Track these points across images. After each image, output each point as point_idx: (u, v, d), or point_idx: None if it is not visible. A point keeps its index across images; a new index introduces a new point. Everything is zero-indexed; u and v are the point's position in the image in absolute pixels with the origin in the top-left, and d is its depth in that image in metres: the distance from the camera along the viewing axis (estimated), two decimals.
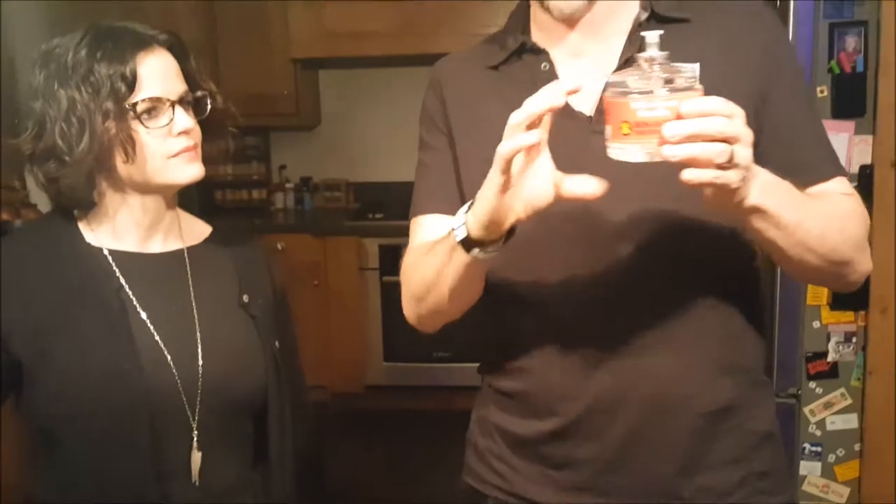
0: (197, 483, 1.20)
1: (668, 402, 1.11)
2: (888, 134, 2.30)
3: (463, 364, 4.03)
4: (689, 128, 0.81)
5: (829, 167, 1.13)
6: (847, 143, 2.32)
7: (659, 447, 1.13)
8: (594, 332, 1.11)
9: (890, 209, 2.30)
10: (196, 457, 1.19)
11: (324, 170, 4.40)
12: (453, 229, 0.98)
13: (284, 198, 4.36)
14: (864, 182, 2.31)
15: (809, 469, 2.49)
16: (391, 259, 3.96)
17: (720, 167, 0.82)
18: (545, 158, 0.91)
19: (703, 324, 1.12)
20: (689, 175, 0.83)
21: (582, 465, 1.15)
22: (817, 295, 2.42)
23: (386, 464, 3.60)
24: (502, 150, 0.88)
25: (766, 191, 0.91)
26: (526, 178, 0.91)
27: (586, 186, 0.91)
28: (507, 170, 0.88)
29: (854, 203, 1.12)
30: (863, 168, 2.32)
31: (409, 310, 1.19)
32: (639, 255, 1.08)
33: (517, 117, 0.87)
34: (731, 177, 0.84)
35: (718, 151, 0.82)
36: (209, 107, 1.22)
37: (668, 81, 0.83)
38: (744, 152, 0.84)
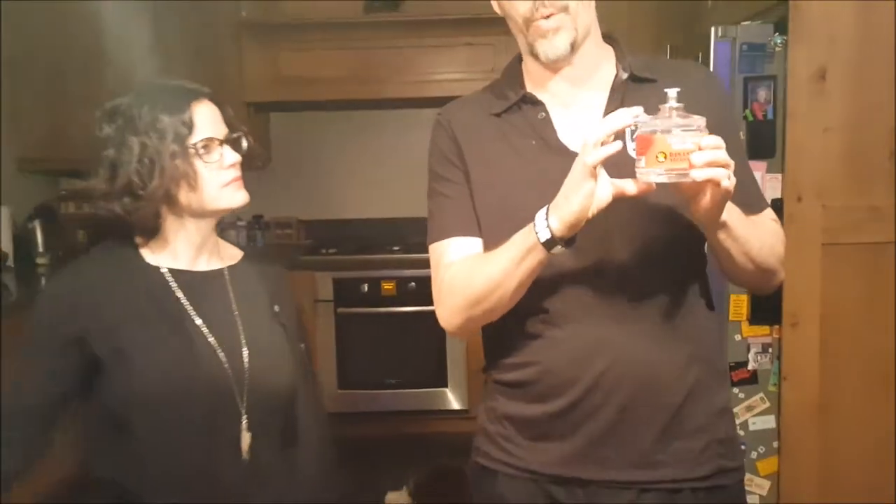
0: (246, 459, 1.40)
1: (650, 386, 1.32)
2: (794, 172, 2.52)
3: (411, 390, 4.27)
4: (710, 156, 1.08)
5: (761, 202, 1.41)
6: (760, 179, 2.48)
7: (642, 421, 1.33)
8: (592, 330, 1.31)
9: (797, 237, 2.50)
10: (245, 436, 1.39)
11: (274, 208, 4.51)
12: (532, 232, 1.19)
13: (237, 235, 4.46)
14: (776, 212, 2.54)
15: None
16: (345, 291, 4.14)
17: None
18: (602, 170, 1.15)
19: (677, 325, 1.34)
20: (702, 175, 1.08)
21: (579, 438, 1.34)
22: (738, 312, 2.63)
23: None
24: (590, 160, 1.11)
25: (729, 212, 1.19)
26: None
27: (627, 185, 1.15)
28: (595, 175, 1.12)
29: (778, 228, 1.41)
30: (774, 201, 2.52)
31: (458, 316, 1.36)
32: (629, 271, 1.31)
33: (595, 135, 1.11)
34: (729, 186, 1.11)
35: (726, 173, 1.09)
36: (245, 145, 1.46)
37: (686, 123, 1.10)
38: (732, 176, 1.11)
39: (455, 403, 4.28)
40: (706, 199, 1.14)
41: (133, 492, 1.36)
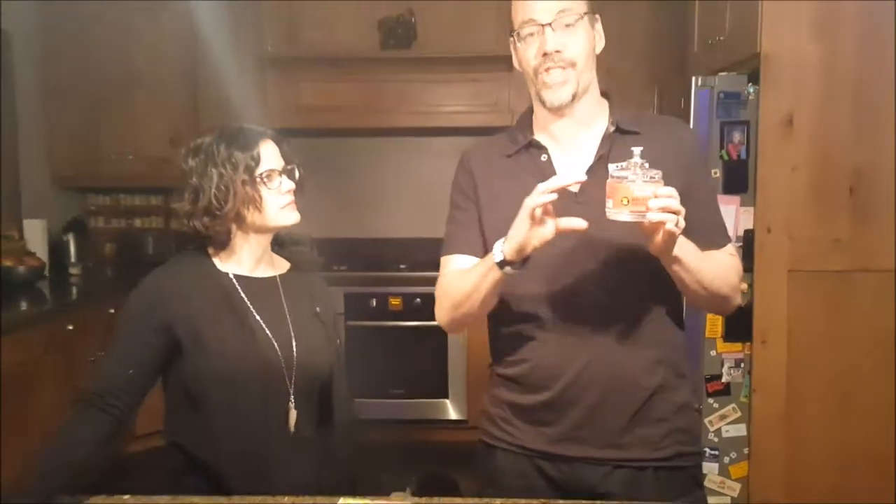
0: (292, 431, 1.68)
1: (621, 381, 1.56)
2: (764, 206, 2.77)
3: (414, 399, 4.49)
4: (663, 203, 1.31)
5: (722, 238, 1.63)
6: (735, 212, 2.78)
7: (613, 411, 1.56)
8: (574, 334, 1.55)
9: (767, 264, 2.77)
10: (293, 413, 1.68)
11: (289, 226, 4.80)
12: (492, 255, 1.45)
13: None
14: (748, 242, 2.79)
15: (709, 469, 2.88)
16: (355, 306, 4.35)
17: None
18: (549, 212, 1.40)
19: (646, 332, 1.57)
20: (656, 217, 1.31)
21: (562, 423, 1.58)
22: (714, 330, 2.86)
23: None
24: (530, 202, 1.36)
25: (681, 248, 1.41)
26: (538, 223, 1.39)
27: (572, 223, 1.38)
28: (532, 216, 1.37)
29: (734, 261, 1.63)
30: (746, 231, 2.80)
31: (445, 315, 1.63)
32: (605, 286, 1.54)
33: (541, 188, 1.36)
34: (676, 230, 1.34)
35: (675, 218, 1.32)
36: (298, 174, 1.76)
37: (647, 174, 1.33)
38: (681, 221, 1.35)
39: (454, 414, 4.48)
40: (659, 237, 1.36)
41: (201, 455, 1.64)
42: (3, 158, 4.21)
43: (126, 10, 4.50)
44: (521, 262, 1.44)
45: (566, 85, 1.55)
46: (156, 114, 4.59)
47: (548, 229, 1.40)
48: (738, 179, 2.82)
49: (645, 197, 1.31)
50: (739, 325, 2.84)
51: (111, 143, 4.63)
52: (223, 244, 1.71)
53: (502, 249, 1.45)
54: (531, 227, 1.39)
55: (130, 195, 5.02)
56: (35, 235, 4.26)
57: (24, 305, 3.66)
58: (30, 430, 3.24)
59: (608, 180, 1.36)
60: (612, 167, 1.37)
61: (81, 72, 4.53)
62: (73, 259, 4.55)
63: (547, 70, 1.55)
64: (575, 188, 1.52)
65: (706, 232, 1.58)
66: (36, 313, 3.52)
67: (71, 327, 3.57)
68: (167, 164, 4.54)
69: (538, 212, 1.38)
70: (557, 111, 1.58)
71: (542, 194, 1.36)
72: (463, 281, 1.58)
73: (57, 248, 4.48)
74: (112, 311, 3.98)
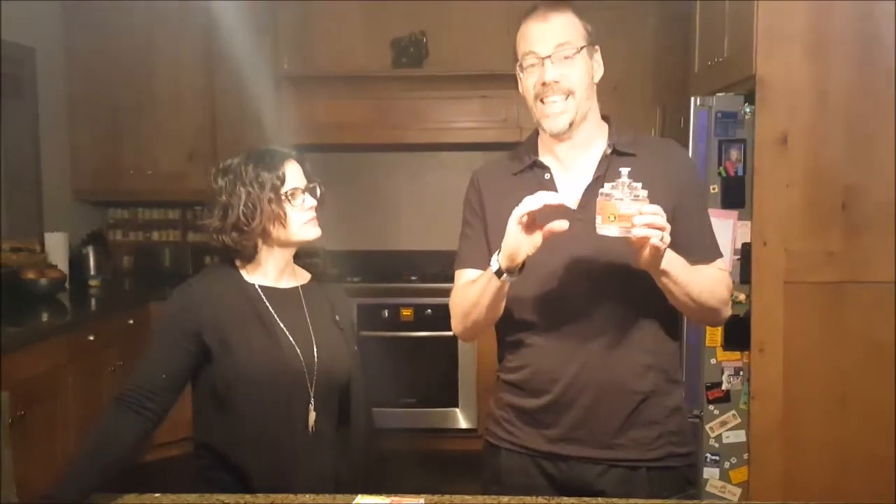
0: (312, 432, 1.80)
1: (615, 386, 1.65)
2: (761, 221, 2.84)
3: (425, 409, 4.58)
4: (648, 219, 1.40)
5: (712, 253, 1.71)
6: (732, 226, 2.86)
7: (608, 413, 1.66)
8: (570, 341, 1.65)
9: (763, 276, 2.85)
10: (312, 415, 1.79)
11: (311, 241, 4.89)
12: (490, 266, 1.57)
13: None
14: (745, 255, 2.88)
15: (710, 474, 2.96)
16: (367, 316, 4.44)
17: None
18: (535, 222, 1.48)
19: (638, 340, 1.66)
20: (640, 232, 1.40)
21: (561, 425, 1.68)
22: (713, 339, 2.94)
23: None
24: (516, 212, 1.47)
25: (669, 262, 1.50)
26: (527, 231, 1.49)
27: (553, 225, 1.47)
28: (519, 222, 1.48)
29: (723, 275, 1.71)
30: (744, 245, 2.88)
31: (458, 325, 1.74)
32: (600, 295, 1.64)
33: (527, 205, 1.46)
34: (660, 245, 1.44)
35: (659, 234, 1.41)
36: (319, 192, 1.89)
37: (634, 193, 1.43)
38: (666, 236, 1.43)
39: (464, 423, 4.59)
40: (646, 251, 1.45)
41: (227, 453, 1.76)
42: (26, 173, 4.36)
43: (147, 28, 4.66)
44: (518, 269, 1.56)
45: (564, 114, 1.66)
46: (174, 130, 4.74)
47: (536, 238, 1.51)
48: (735, 195, 2.91)
49: (631, 214, 1.41)
50: (738, 334, 2.92)
51: (131, 159, 4.77)
52: (250, 257, 1.83)
53: (497, 259, 1.56)
54: (519, 235, 1.50)
55: (148, 209, 5.16)
56: (56, 248, 4.40)
57: (45, 316, 3.79)
58: (55, 436, 3.37)
59: (598, 198, 1.46)
60: (605, 185, 1.47)
61: (103, 88, 4.69)
62: (92, 271, 4.68)
63: (545, 100, 1.66)
64: (574, 206, 1.63)
65: (698, 247, 1.68)
66: (58, 324, 3.64)
67: (92, 337, 3.69)
68: (185, 179, 4.72)
69: (524, 219, 1.49)
70: (556, 137, 1.70)
71: (527, 204, 1.48)
72: (469, 292, 1.69)
73: (77, 261, 4.61)
74: (131, 321, 4.12)
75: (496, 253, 1.58)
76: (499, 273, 1.56)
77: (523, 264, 1.55)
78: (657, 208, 1.43)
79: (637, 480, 1.68)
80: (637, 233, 1.41)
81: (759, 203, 2.87)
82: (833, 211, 2.85)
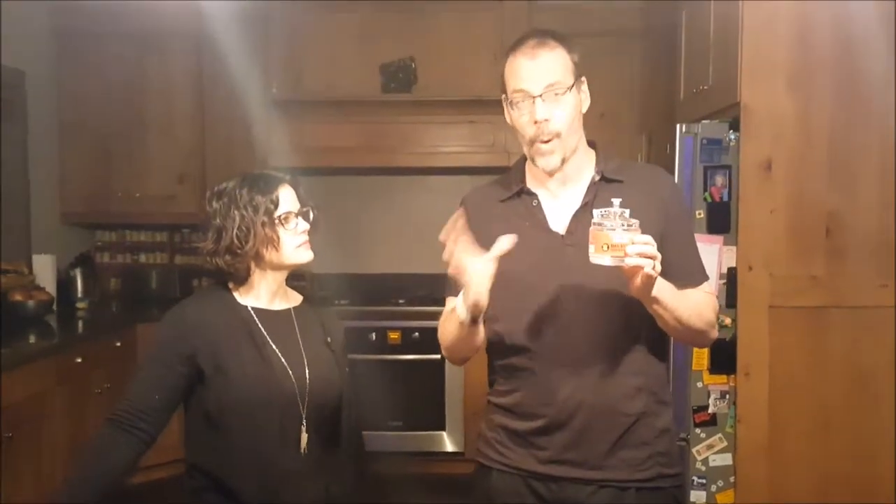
0: (304, 453, 1.81)
1: (607, 408, 1.68)
2: (746, 246, 2.87)
3: (412, 432, 4.58)
4: (640, 249, 1.43)
5: (699, 277, 1.75)
6: (718, 251, 2.89)
7: (599, 435, 1.68)
8: (561, 366, 1.68)
9: (748, 300, 2.88)
10: (304, 436, 1.80)
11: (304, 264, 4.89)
12: (458, 314, 1.60)
13: None
14: (731, 279, 2.90)
15: (697, 497, 2.96)
16: (354, 339, 4.32)
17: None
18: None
19: (628, 362, 1.69)
20: (633, 262, 1.44)
21: (553, 446, 1.70)
22: (700, 362, 2.95)
23: None
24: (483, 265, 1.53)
25: (660, 289, 1.53)
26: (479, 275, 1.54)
27: (500, 245, 1.53)
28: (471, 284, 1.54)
29: (709, 298, 1.75)
30: (730, 269, 2.90)
31: (445, 353, 1.80)
32: (590, 319, 1.66)
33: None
34: (653, 273, 1.47)
35: (651, 263, 1.44)
36: (312, 216, 1.91)
37: (627, 223, 1.46)
38: (658, 265, 1.46)
39: (451, 446, 4.59)
40: (638, 280, 1.48)
41: (219, 475, 1.77)
42: (15, 195, 4.36)
43: (137, 52, 4.70)
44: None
45: (555, 154, 1.70)
46: (164, 154, 4.77)
47: (488, 269, 1.56)
48: (720, 220, 2.94)
49: (623, 243, 1.44)
50: (724, 357, 2.94)
51: (120, 182, 4.79)
52: (243, 280, 1.85)
53: (465, 312, 1.61)
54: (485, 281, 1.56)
55: (136, 231, 5.16)
56: (44, 270, 4.40)
57: (33, 338, 3.77)
58: (42, 458, 3.36)
59: (591, 228, 1.49)
60: (595, 213, 1.50)
61: (93, 111, 4.71)
62: (80, 294, 4.67)
63: (539, 140, 1.69)
64: (562, 231, 1.67)
65: (684, 271, 1.71)
66: (46, 346, 3.63)
67: (79, 360, 3.68)
68: (174, 202, 4.74)
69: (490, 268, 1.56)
70: (549, 173, 1.73)
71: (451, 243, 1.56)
72: (446, 329, 1.74)
73: (64, 283, 4.61)
74: (119, 343, 4.11)
75: (459, 299, 1.62)
76: (471, 318, 1.62)
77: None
78: (649, 238, 1.46)
79: (627, 500, 1.71)
80: (630, 262, 1.45)
81: (744, 228, 2.90)
82: (817, 236, 2.88)
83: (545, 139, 1.68)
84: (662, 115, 4.00)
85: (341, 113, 4.73)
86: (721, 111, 3.06)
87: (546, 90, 1.67)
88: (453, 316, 1.65)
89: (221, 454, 1.77)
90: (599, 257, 1.47)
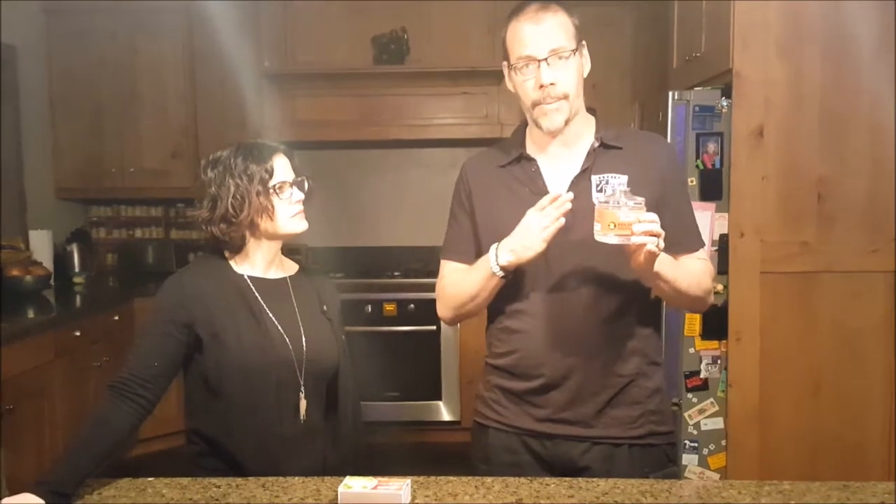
0: (303, 420, 1.83)
1: (601, 370, 1.74)
2: (737, 213, 2.91)
3: (409, 402, 4.64)
4: (646, 227, 1.48)
5: (697, 243, 1.79)
6: (710, 218, 2.92)
7: (592, 395, 1.74)
8: (557, 328, 1.72)
9: (740, 266, 2.92)
10: (302, 402, 1.83)
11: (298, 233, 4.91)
12: (489, 266, 1.65)
13: None
14: (723, 246, 2.94)
15: (689, 460, 3.02)
16: (350, 312, 4.44)
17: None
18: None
19: (624, 324, 1.75)
20: (639, 240, 1.48)
21: (548, 405, 1.75)
22: (692, 329, 3.00)
23: None
24: (545, 234, 1.59)
25: (660, 263, 1.58)
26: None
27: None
28: (546, 241, 1.59)
29: (706, 265, 1.79)
30: (721, 236, 2.94)
31: (448, 313, 1.84)
32: (586, 282, 1.71)
33: (547, 213, 1.59)
34: (656, 251, 1.51)
35: (656, 241, 1.49)
36: (307, 186, 1.92)
37: (631, 201, 1.49)
38: (661, 242, 1.51)
39: (448, 415, 4.64)
40: (641, 257, 1.52)
41: (219, 440, 1.80)
42: (9, 171, 4.36)
43: (129, 27, 4.68)
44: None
45: (560, 113, 1.71)
46: (157, 128, 4.76)
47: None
48: (713, 187, 2.97)
49: (630, 222, 1.48)
50: (716, 323, 2.99)
51: (113, 157, 4.79)
52: (238, 249, 1.87)
53: (500, 262, 1.64)
54: (542, 234, 1.60)
55: (131, 206, 5.17)
56: (41, 246, 4.42)
57: (31, 313, 3.80)
58: (43, 431, 3.39)
59: (597, 206, 1.53)
60: (598, 195, 1.55)
61: (86, 87, 4.70)
62: (76, 268, 4.70)
63: (544, 102, 1.71)
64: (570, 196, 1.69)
65: (682, 238, 1.76)
66: (44, 321, 3.65)
67: (77, 334, 3.72)
68: (168, 177, 4.74)
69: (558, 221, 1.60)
70: (551, 134, 1.75)
71: (554, 221, 1.58)
72: (463, 286, 1.77)
73: (61, 258, 4.63)
74: (116, 318, 4.14)
75: (494, 253, 1.65)
76: (501, 269, 1.65)
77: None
78: (654, 216, 1.50)
79: (619, 457, 1.75)
80: (636, 240, 1.48)
81: (735, 195, 2.94)
82: (808, 202, 2.92)
83: (550, 102, 1.70)
84: (655, 83, 4.01)
85: (333, 86, 4.73)
86: (713, 78, 3.07)
87: (551, 54, 1.68)
88: (483, 265, 1.70)
89: (221, 419, 1.79)
90: (605, 236, 1.50)
